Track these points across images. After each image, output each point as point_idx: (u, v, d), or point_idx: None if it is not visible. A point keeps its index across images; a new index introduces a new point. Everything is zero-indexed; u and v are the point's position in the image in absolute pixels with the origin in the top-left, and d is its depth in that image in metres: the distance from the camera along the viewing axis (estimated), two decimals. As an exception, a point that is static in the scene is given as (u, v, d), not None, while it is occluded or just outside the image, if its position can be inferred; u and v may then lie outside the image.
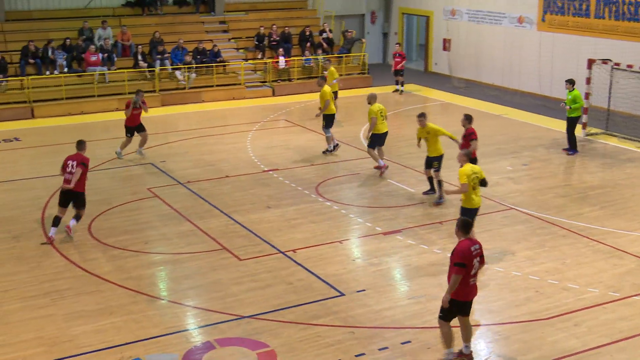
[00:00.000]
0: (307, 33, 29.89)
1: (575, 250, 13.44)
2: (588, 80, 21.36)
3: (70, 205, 13.75)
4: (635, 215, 15.24)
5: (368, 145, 17.51)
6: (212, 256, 13.14)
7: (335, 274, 12.43)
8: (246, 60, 28.60)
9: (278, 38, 29.22)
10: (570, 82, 19.38)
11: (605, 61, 21.41)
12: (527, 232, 14.28)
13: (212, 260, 12.95)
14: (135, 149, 19.18)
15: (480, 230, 14.23)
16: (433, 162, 15.88)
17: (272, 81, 27.86)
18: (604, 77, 22.01)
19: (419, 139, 16.11)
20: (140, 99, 18.71)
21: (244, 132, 21.82)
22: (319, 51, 29.45)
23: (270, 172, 17.96)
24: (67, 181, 13.49)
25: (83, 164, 13.55)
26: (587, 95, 21.29)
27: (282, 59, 28.03)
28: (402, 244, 13.71)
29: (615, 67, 21.33)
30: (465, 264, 9.32)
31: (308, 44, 29.77)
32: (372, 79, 29.73)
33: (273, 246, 13.54)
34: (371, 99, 17.64)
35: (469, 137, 15.19)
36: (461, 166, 12.65)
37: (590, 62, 21.38)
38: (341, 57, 29.33)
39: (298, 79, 28.22)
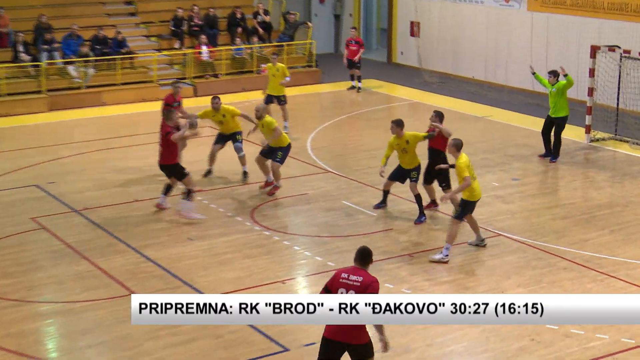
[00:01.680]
0: (238, 16, 29.94)
1: (579, 286, 13.63)
2: (592, 72, 21.80)
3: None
4: (653, 240, 15.57)
5: (277, 161, 17.45)
6: (118, 304, 12.99)
7: (278, 323, 12.40)
8: (160, 51, 28.50)
9: (201, 22, 29.19)
10: (554, 74, 19.82)
11: (612, 48, 21.85)
12: (519, 265, 14.44)
13: (118, 310, 12.81)
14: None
15: (461, 263, 14.35)
16: (412, 173, 16.33)
17: (194, 77, 27.82)
18: (611, 68, 22.48)
19: (387, 158, 16.36)
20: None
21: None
22: (254, 39, 29.53)
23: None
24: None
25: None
26: (590, 91, 21.72)
27: (205, 49, 28.00)
28: (362, 282, 13.73)
29: (625, 55, 21.80)
30: None
31: (239, 30, 29.79)
32: (321, 74, 29.89)
33: (197, 289, 13.45)
34: (262, 112, 17.45)
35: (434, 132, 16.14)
36: (456, 158, 14.15)
37: (594, 50, 21.82)
38: (281, 45, 29.45)
39: (227, 74, 28.21)
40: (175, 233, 15.80)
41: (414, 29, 31.25)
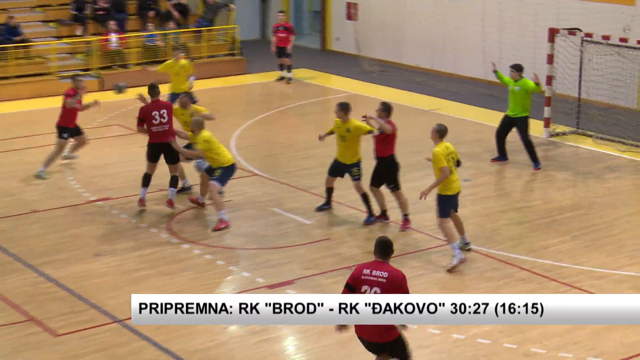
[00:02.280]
0: (150, -3, 29.82)
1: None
2: (550, 58, 22.10)
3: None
4: (621, 246, 15.82)
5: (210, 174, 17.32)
6: (14, 331, 12.81)
7: (200, 349, 12.34)
8: (59, 38, 28.19)
9: (107, 5, 28.97)
10: (517, 69, 19.84)
11: (572, 31, 22.18)
12: (473, 276, 14.55)
13: (13, 338, 12.62)
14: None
15: (408, 276, 14.37)
16: (352, 169, 16.50)
17: (100, 68, 27.60)
18: (571, 54, 22.82)
19: (329, 133, 16.67)
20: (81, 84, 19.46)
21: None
22: (170, 24, 29.37)
23: (100, 202, 17.78)
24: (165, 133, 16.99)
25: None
26: (549, 80, 22.01)
27: (114, 36, 27.76)
28: (296, 300, 13.73)
29: (587, 39, 22.14)
30: None
31: (152, 14, 29.62)
32: (246, 63, 29.84)
33: (106, 312, 13.33)
34: (195, 128, 16.80)
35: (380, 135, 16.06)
36: (436, 145, 14.64)
37: (553, 33, 22.12)
38: (200, 31, 29.33)
39: (137, 64, 28.03)
40: (79, 248, 15.64)
41: (351, 12, 31.38)
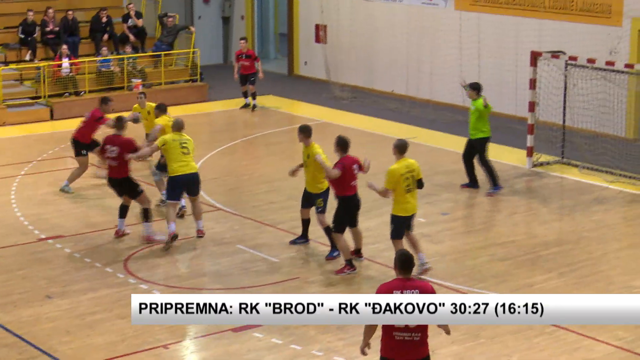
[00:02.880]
0: (104, 20, 29.79)
1: (524, 342, 13.83)
2: (532, 83, 22.25)
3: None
4: (610, 283, 15.90)
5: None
6: (-42, 381, 12.73)
7: (160, 398, 12.28)
8: (6, 64, 28.13)
9: (57, 28, 28.94)
10: (473, 87, 20.22)
11: (556, 54, 22.35)
12: (452, 317, 14.57)
13: (-43, 388, 12.54)
14: None
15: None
16: (316, 200, 16.46)
17: (50, 96, 27.53)
18: (555, 79, 23.00)
19: (300, 166, 16.90)
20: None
21: (5, 179, 21.44)
22: (127, 48, 29.39)
23: (50, 240, 17.70)
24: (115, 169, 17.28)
25: (133, 151, 17.24)
26: (532, 106, 22.17)
27: (66, 61, 27.74)
28: (263, 344, 13.71)
29: (571, 62, 22.32)
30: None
31: (106, 37, 29.63)
32: (207, 89, 29.86)
33: (57, 359, 13.26)
34: (175, 126, 17.77)
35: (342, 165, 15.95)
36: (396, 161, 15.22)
37: (535, 56, 22.30)
38: (158, 56, 29.37)
39: (91, 91, 28.00)
40: (29, 290, 15.53)
41: (320, 34, 31.49)
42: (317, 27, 31.58)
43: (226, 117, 27.68)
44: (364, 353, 10.60)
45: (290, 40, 33.09)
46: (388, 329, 10.22)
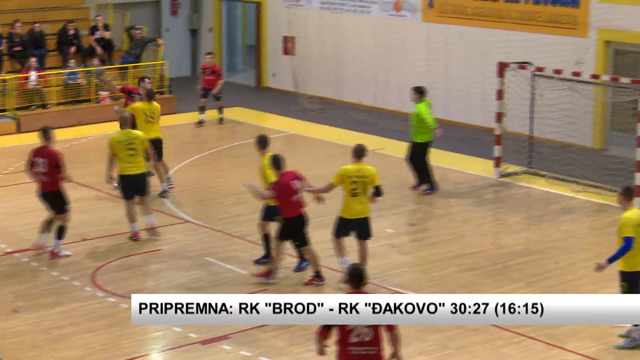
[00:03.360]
0: (71, 32, 29.71)
1: (492, 351, 13.91)
2: (500, 94, 22.39)
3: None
4: (577, 293, 15.95)
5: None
6: None
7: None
8: (-28, 76, 28.03)
9: (25, 40, 28.82)
10: (416, 91, 20.93)
11: (523, 65, 22.50)
12: (421, 328, 14.55)
13: None
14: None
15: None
16: (274, 215, 16.39)
17: (17, 109, 27.43)
18: (522, 89, 23.12)
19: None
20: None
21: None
22: (94, 60, 29.32)
23: (17, 254, 17.65)
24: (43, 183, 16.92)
25: (57, 166, 16.87)
26: (499, 117, 22.29)
27: (33, 74, 27.64)
28: (232, 357, 13.70)
29: (538, 73, 22.47)
30: None
31: (73, 49, 29.54)
32: (176, 102, 29.81)
33: (25, 374, 13.22)
34: (123, 123, 18.28)
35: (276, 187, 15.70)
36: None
37: (502, 67, 22.44)
38: (126, 68, 29.31)
39: (59, 104, 27.90)
40: (-4, 304, 15.50)
41: (288, 46, 31.52)
42: (285, 38, 31.61)
43: (194, 130, 27.63)
44: (322, 353, 10.72)
45: (258, 52, 33.10)
46: (343, 344, 10.31)
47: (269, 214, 16.53)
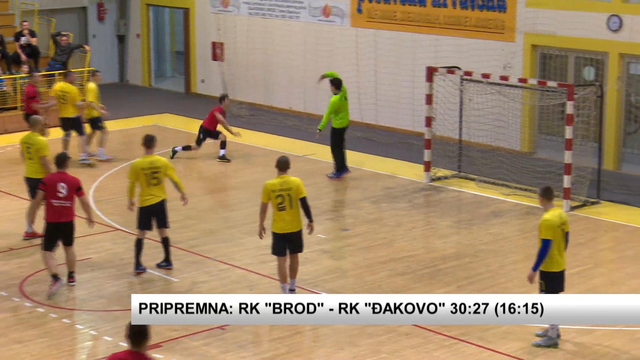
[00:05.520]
0: (-4, 38, 29.46)
1: (425, 355, 13.98)
2: (429, 99, 22.57)
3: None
4: (508, 294, 16.12)
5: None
6: None
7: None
8: None
9: (-53, 48, 28.55)
10: (332, 83, 22.49)
11: (451, 70, 22.70)
12: (353, 333, 14.65)
13: None
14: None
15: (281, 335, 14.45)
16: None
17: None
18: (450, 94, 23.33)
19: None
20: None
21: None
22: (23, 67, 29.02)
23: (-57, 265, 17.42)
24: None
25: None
26: (428, 121, 22.46)
27: (-43, 82, 27.37)
28: (163, 365, 13.68)
29: (466, 77, 22.69)
30: None
31: (-2, 56, 29.30)
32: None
33: (-48, 386, 13.07)
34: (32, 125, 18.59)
35: None
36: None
37: (430, 72, 22.61)
38: (52, 75, 29.05)
39: (-16, 112, 27.64)
40: None
41: (217, 52, 31.50)
42: (213, 44, 31.57)
43: (122, 137, 27.46)
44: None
45: (186, 58, 33.01)
46: None
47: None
